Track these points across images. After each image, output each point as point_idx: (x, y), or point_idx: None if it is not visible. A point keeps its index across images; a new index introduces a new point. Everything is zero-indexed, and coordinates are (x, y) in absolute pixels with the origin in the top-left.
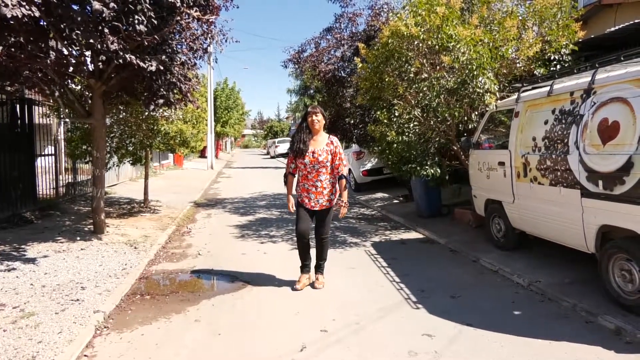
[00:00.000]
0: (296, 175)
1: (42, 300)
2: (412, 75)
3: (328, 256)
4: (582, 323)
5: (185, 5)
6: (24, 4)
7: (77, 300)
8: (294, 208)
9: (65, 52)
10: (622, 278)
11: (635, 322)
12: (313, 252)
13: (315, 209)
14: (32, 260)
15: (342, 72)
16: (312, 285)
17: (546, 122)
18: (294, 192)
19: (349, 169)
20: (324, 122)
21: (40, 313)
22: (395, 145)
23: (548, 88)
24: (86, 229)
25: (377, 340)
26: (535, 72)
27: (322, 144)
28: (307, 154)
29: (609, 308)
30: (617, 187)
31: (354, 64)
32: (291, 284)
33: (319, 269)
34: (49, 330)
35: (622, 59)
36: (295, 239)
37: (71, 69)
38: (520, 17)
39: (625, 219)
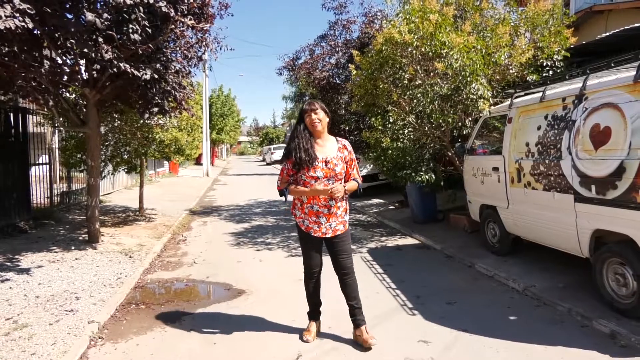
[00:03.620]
0: (292, 197)
1: (35, 311)
2: (406, 81)
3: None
4: (577, 327)
5: (179, 14)
6: (17, 15)
7: (72, 310)
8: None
9: (60, 61)
10: (616, 282)
11: (629, 325)
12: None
13: (327, 235)
14: (26, 271)
15: (336, 79)
16: (362, 344)
17: (539, 128)
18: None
19: None
20: (327, 119)
21: (34, 324)
22: (390, 151)
23: (540, 94)
24: (81, 238)
25: (373, 348)
26: (527, 78)
27: (333, 150)
28: (318, 165)
29: (603, 312)
30: (610, 192)
31: (348, 71)
32: (287, 293)
33: (357, 318)
34: (43, 342)
35: (612, 65)
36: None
37: (65, 77)
38: (512, 24)
39: (618, 223)
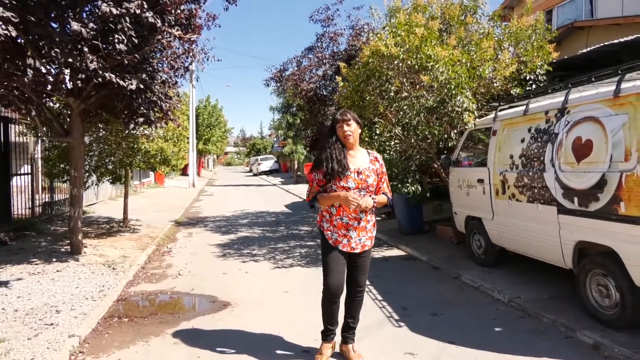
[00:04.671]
0: (321, 207)
1: (14, 325)
2: (392, 94)
3: (306, 275)
4: (561, 339)
5: (166, 24)
6: (0, 23)
7: (52, 324)
8: (353, 198)
9: (43, 71)
10: (599, 293)
11: (612, 336)
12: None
13: (356, 251)
14: (5, 284)
15: (323, 90)
16: None
17: (523, 140)
18: (323, 226)
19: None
20: (359, 131)
21: (12, 339)
22: None
23: (524, 107)
24: (63, 249)
25: None
26: (511, 91)
27: (365, 161)
28: (350, 175)
29: (587, 323)
30: (592, 204)
31: (335, 83)
32: (273, 305)
33: (348, 335)
34: (21, 357)
35: (593, 79)
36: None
37: (49, 87)
38: (496, 38)
39: (600, 235)
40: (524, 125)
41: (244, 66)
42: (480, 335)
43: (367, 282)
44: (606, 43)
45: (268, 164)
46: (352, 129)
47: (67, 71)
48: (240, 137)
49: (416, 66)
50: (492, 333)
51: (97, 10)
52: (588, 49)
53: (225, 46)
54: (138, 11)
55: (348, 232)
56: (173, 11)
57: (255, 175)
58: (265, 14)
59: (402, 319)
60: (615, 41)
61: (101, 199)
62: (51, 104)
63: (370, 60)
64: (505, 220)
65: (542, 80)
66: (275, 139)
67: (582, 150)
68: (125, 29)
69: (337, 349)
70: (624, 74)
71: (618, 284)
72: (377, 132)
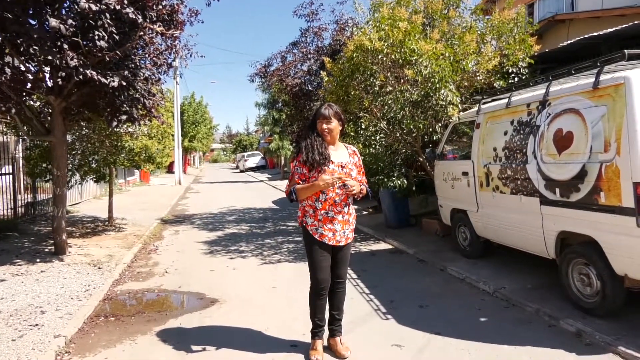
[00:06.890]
0: (305, 202)
1: None
2: (377, 88)
3: (293, 270)
4: (545, 327)
5: (148, 20)
6: None
7: (36, 325)
8: (334, 179)
9: (22, 69)
10: (581, 282)
11: (594, 324)
12: None
13: (340, 244)
14: None
15: (308, 85)
16: (336, 354)
17: (506, 133)
18: (306, 222)
19: None
20: (339, 128)
21: None
22: (362, 157)
23: (506, 100)
24: (47, 250)
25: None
26: (494, 84)
27: (345, 155)
28: (335, 169)
29: (570, 311)
30: (573, 195)
31: (320, 78)
32: (261, 301)
33: (335, 327)
34: (5, 359)
35: (573, 72)
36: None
37: (28, 85)
38: (479, 32)
39: (581, 225)
40: (506, 118)
41: (229, 62)
42: (466, 326)
43: (355, 276)
44: (586, 36)
45: (255, 160)
46: (332, 127)
47: (46, 69)
48: (226, 133)
49: (400, 60)
50: (478, 323)
51: (76, 7)
52: (568, 42)
53: (209, 42)
54: (118, 7)
55: (333, 225)
56: (155, 7)
57: (242, 171)
58: (249, 9)
59: (389, 311)
60: (595, 34)
61: (85, 198)
62: (31, 102)
63: (354, 55)
64: (489, 212)
65: (524, 73)
66: (261, 135)
67: (563, 141)
68: (106, 25)
69: (325, 343)
70: (603, 66)
71: (599, 272)
72: (363, 126)
